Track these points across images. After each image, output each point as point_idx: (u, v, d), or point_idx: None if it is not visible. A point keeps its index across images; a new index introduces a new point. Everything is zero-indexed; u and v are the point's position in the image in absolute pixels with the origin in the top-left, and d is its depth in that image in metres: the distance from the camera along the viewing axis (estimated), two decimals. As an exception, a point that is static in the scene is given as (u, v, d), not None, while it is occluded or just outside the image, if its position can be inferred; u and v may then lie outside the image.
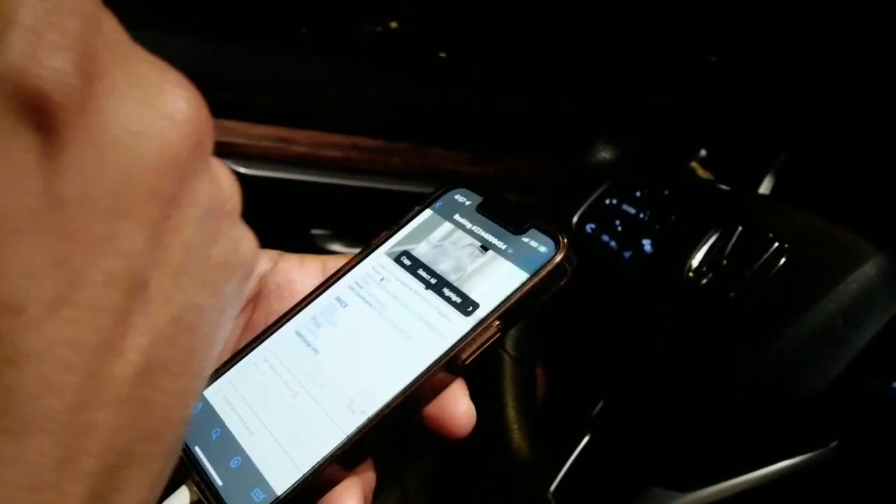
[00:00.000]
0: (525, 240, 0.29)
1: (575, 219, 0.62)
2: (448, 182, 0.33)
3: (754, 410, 0.45)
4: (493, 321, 0.27)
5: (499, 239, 0.29)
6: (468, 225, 0.30)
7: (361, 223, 0.81)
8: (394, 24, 0.97)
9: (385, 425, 0.26)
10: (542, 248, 0.28)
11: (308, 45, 0.82)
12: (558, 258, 0.27)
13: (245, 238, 0.19)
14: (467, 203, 0.31)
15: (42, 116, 0.13)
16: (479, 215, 0.31)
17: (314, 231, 0.79)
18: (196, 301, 0.17)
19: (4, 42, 0.12)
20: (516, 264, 0.28)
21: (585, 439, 0.53)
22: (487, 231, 0.30)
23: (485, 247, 0.29)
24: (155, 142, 0.14)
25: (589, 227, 0.61)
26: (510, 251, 0.29)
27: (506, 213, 0.30)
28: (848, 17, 0.61)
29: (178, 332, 0.16)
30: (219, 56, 0.73)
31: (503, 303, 0.27)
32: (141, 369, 0.15)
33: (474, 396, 0.27)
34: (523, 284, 0.27)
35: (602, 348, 0.57)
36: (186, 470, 0.26)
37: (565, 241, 0.28)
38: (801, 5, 0.63)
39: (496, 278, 0.28)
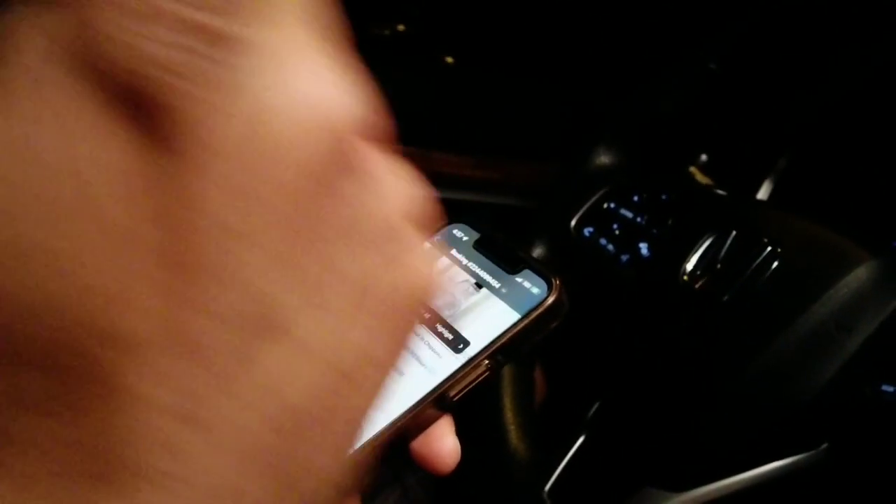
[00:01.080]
0: (519, 280, 0.29)
1: (573, 222, 0.63)
2: (448, 217, 0.33)
3: (747, 412, 0.45)
4: (483, 360, 0.27)
5: (493, 277, 0.29)
6: (464, 261, 0.31)
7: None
8: (401, 27, 0.98)
9: (372, 459, 0.26)
10: (535, 290, 0.28)
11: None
12: (550, 300, 0.27)
13: (417, 262, 0.15)
14: (465, 239, 0.32)
15: (147, 120, 0.10)
16: (476, 252, 0.31)
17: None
18: (354, 341, 0.13)
19: (87, 23, 0.09)
20: (509, 304, 0.28)
21: (581, 439, 0.54)
22: (483, 269, 0.30)
23: (479, 284, 0.29)
24: (296, 152, 0.11)
25: (587, 231, 0.62)
26: (504, 290, 0.29)
27: (501, 252, 0.30)
28: (848, 19, 0.61)
29: (336, 381, 0.13)
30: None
31: (493, 342, 0.27)
32: (277, 421, 0.12)
33: (474, 398, 0.28)
34: (514, 325, 0.27)
35: (599, 350, 0.58)
36: None
37: (558, 283, 0.28)
38: (800, 8, 0.63)
39: (488, 317, 0.28)
